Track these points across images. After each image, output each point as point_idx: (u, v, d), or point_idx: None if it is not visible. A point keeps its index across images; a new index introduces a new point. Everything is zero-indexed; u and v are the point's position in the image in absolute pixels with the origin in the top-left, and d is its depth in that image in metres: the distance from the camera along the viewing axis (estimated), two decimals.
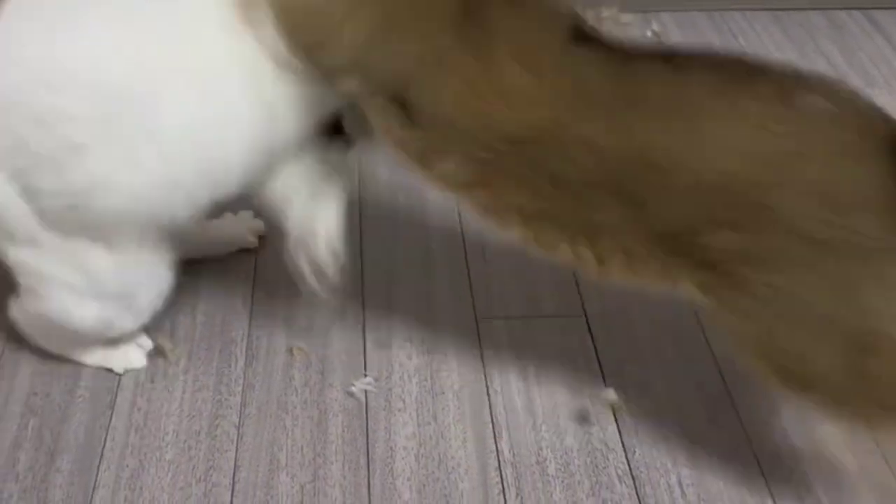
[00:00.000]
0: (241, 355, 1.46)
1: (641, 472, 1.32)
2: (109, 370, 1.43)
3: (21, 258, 1.27)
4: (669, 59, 1.14)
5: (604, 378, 1.45)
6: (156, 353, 1.45)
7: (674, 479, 1.31)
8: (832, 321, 1.08)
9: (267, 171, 1.31)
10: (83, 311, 1.31)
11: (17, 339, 1.45)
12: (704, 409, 1.40)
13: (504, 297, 1.58)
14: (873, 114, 1.12)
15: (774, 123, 1.08)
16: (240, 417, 1.37)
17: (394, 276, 1.62)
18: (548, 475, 1.31)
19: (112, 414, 1.37)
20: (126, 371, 1.43)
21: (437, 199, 1.78)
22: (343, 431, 1.36)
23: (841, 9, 2.40)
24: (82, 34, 1.17)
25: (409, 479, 1.30)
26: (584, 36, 1.16)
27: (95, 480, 1.28)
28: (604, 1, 2.34)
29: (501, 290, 1.59)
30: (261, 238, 1.66)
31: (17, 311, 1.38)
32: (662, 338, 1.51)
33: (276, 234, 1.67)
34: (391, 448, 1.34)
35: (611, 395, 1.41)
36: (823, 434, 1.35)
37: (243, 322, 1.52)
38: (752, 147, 1.08)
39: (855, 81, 2.15)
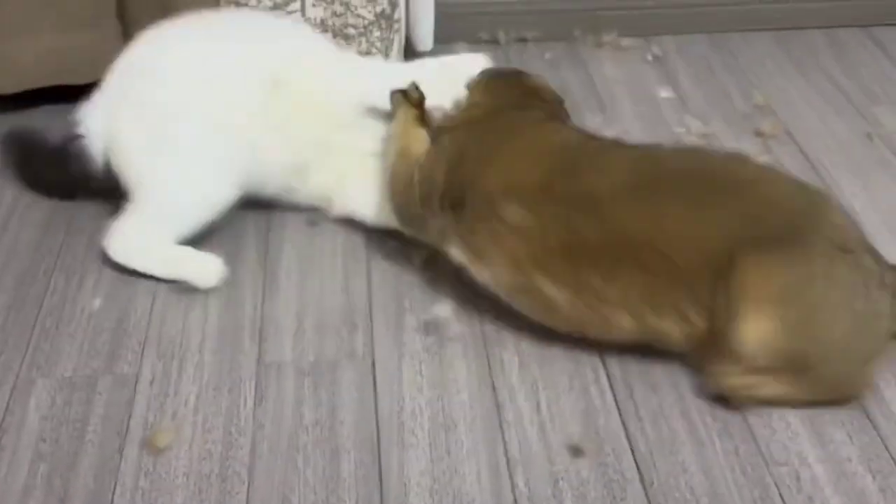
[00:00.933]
0: (251, 394, 1.45)
1: (660, 502, 1.30)
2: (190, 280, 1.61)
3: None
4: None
5: (618, 406, 1.43)
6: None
7: None
8: None
9: None
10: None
11: (26, 385, 1.44)
12: (720, 440, 1.38)
13: (514, 326, 1.57)
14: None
15: None
16: (251, 458, 1.35)
17: (401, 306, 1.61)
18: None
19: (121, 459, 1.35)
20: (207, 287, 1.62)
21: None
22: (356, 469, 1.34)
23: (841, 27, 2.40)
24: None
25: None
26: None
27: None
28: (603, 27, 2.35)
29: (511, 319, 1.57)
30: (266, 273, 1.66)
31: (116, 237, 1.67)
32: (675, 366, 1.49)
33: (281, 272, 1.67)
34: (405, 485, 1.32)
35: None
36: None
37: (251, 360, 1.51)
38: None
39: (858, 99, 2.14)
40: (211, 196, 1.69)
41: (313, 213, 1.81)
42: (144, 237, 1.66)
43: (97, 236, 1.75)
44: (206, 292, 1.62)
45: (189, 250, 1.66)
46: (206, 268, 1.63)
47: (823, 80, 2.21)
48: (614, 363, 1.50)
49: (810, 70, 2.25)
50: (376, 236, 1.75)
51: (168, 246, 1.66)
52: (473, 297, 1.61)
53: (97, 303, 1.61)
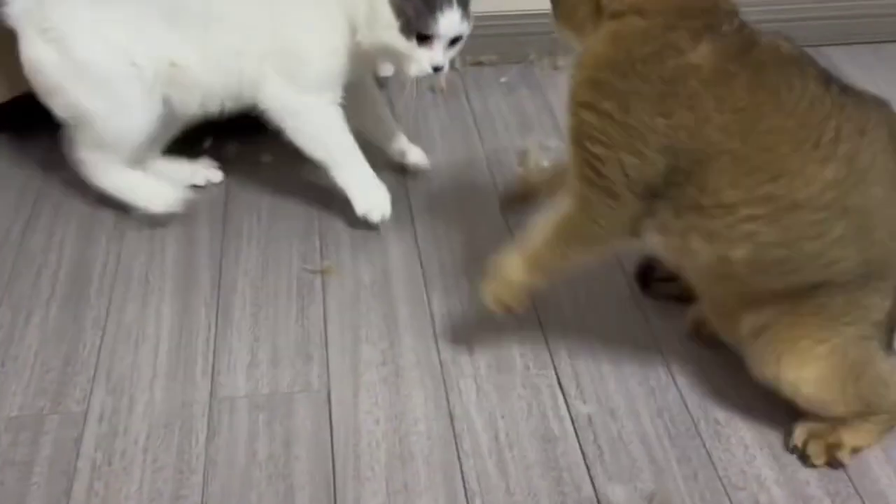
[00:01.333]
0: (203, 431, 1.42)
1: None
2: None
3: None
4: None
5: (577, 433, 1.42)
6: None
7: None
8: None
9: None
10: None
11: None
12: (679, 466, 1.37)
13: (472, 352, 1.55)
14: None
15: None
16: (202, 497, 1.32)
17: (357, 336, 1.58)
18: None
19: (68, 501, 1.31)
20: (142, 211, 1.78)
21: (399, 269, 1.75)
22: None
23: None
24: None
25: None
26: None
27: None
28: (559, 50, 2.35)
29: (469, 345, 1.56)
30: (219, 305, 1.63)
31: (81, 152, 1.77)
32: (637, 389, 1.48)
33: (234, 303, 1.64)
34: None
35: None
36: None
37: (204, 395, 1.48)
38: None
39: None
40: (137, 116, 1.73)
41: (267, 243, 1.78)
42: (98, 162, 1.78)
43: (45, 270, 1.72)
44: (158, 326, 1.59)
45: (142, 176, 1.82)
46: (159, 194, 1.79)
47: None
48: (573, 388, 1.49)
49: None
50: (333, 265, 1.73)
51: (122, 171, 1.79)
52: (431, 323, 1.60)
53: (45, 338, 1.57)
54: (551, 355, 1.55)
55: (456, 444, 1.40)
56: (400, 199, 1.89)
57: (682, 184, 1.27)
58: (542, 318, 1.62)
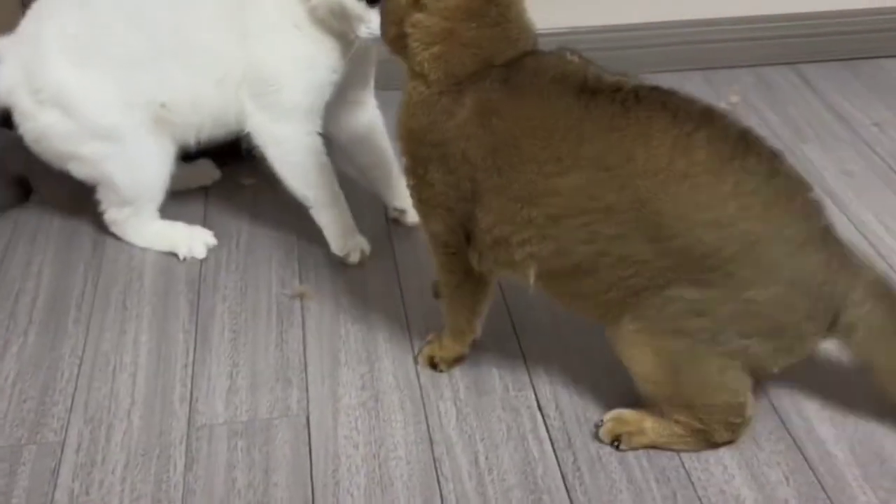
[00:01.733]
0: (181, 459, 1.41)
1: None
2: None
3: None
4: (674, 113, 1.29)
5: (556, 455, 1.41)
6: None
7: None
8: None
9: None
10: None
11: None
12: (658, 486, 1.37)
13: (451, 375, 1.55)
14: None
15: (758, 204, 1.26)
16: None
17: (336, 360, 1.58)
18: None
19: None
20: (186, 259, 1.78)
21: (378, 293, 1.75)
22: None
23: (768, 65, 2.44)
24: None
25: None
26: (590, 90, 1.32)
27: None
28: None
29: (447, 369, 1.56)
30: (197, 331, 1.63)
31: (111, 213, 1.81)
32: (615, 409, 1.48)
33: (213, 328, 1.64)
34: None
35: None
36: None
37: (182, 423, 1.47)
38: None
39: (786, 136, 2.17)
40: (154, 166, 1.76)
41: (245, 268, 1.78)
42: (127, 218, 1.81)
43: (22, 298, 1.71)
44: (136, 354, 1.59)
45: (173, 224, 1.82)
46: (197, 237, 1.81)
47: (754, 118, 2.24)
48: (552, 409, 1.49)
49: (739, 108, 2.28)
50: (311, 290, 1.72)
51: (154, 223, 1.82)
52: (410, 347, 1.60)
53: (22, 367, 1.57)
54: (530, 376, 1.55)
55: (436, 467, 1.40)
56: (380, 223, 1.89)
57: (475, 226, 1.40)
58: (520, 338, 1.62)
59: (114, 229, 1.84)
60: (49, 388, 1.53)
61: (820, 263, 1.29)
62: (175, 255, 1.81)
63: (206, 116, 1.74)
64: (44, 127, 1.72)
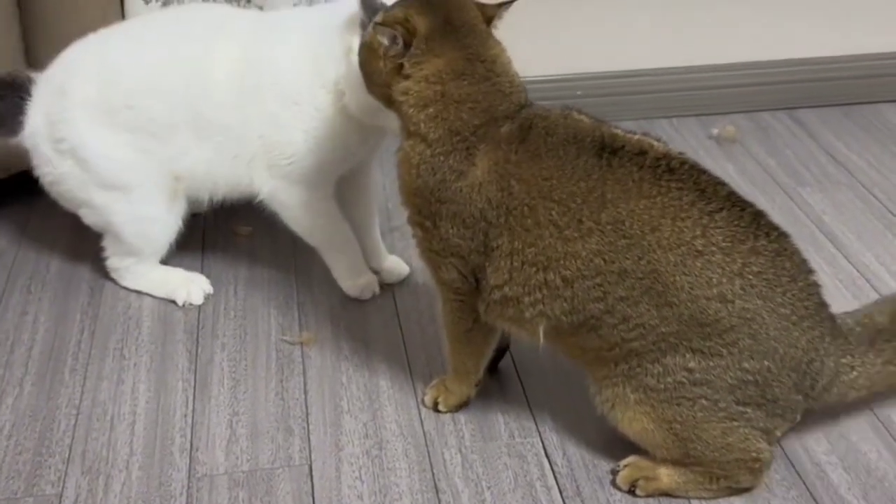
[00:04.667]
0: None
1: None
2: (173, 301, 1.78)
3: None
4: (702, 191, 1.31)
5: (563, 502, 1.39)
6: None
7: None
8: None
9: None
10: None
11: None
12: None
13: (455, 421, 1.52)
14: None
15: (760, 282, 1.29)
16: None
17: (339, 407, 1.55)
18: None
19: None
20: (184, 305, 1.77)
21: (379, 337, 1.73)
22: None
23: (765, 110, 2.45)
24: None
25: None
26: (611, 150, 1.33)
27: None
28: None
29: (453, 414, 1.53)
30: (196, 380, 1.60)
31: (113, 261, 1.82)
32: (623, 455, 1.45)
33: (213, 377, 1.61)
34: None
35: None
36: None
37: (182, 474, 1.44)
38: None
39: (784, 180, 2.18)
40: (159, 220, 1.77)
41: (245, 314, 1.76)
42: (129, 265, 1.82)
43: (17, 348, 1.68)
44: (134, 404, 1.56)
45: (172, 271, 1.82)
46: (195, 283, 1.80)
47: (751, 163, 2.24)
48: (559, 456, 1.46)
49: (738, 154, 2.28)
50: (311, 336, 1.70)
51: (154, 271, 1.82)
52: (413, 393, 1.57)
53: (18, 419, 1.53)
54: (536, 422, 1.53)
55: None
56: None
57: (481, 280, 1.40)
58: (525, 383, 1.60)
59: (113, 275, 1.84)
60: (46, 439, 1.50)
61: (811, 341, 1.33)
62: (173, 301, 1.79)
63: (220, 185, 1.76)
64: (60, 174, 1.75)
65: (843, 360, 1.37)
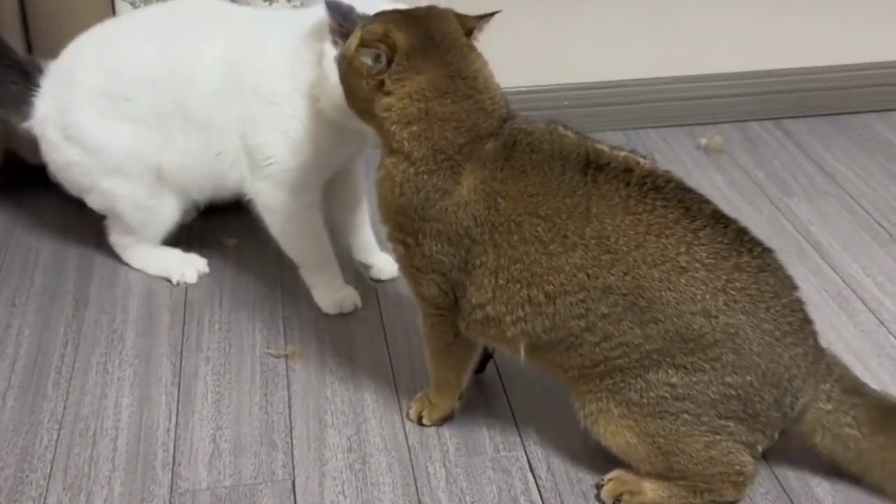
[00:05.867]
0: None
1: None
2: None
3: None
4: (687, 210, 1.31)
5: None
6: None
7: None
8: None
9: None
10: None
11: None
12: None
13: (440, 435, 1.52)
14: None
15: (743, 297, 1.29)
16: None
17: (323, 421, 1.55)
18: None
19: None
20: (179, 283, 1.85)
21: (365, 351, 1.73)
22: None
23: (753, 120, 2.45)
24: None
25: None
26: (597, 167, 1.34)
27: None
28: None
29: (437, 428, 1.53)
30: (180, 394, 1.59)
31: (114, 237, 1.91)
32: (608, 468, 1.45)
33: (196, 391, 1.60)
34: None
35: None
36: None
37: (164, 490, 1.43)
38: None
39: (771, 191, 2.18)
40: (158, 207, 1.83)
41: (229, 328, 1.76)
42: (129, 243, 1.90)
43: (1, 361, 1.67)
44: (117, 419, 1.55)
45: (170, 252, 1.89)
46: (189, 264, 1.87)
47: (739, 173, 2.24)
48: (543, 470, 1.46)
49: (725, 164, 2.28)
50: (296, 349, 1.70)
51: (152, 250, 1.89)
52: (398, 407, 1.57)
53: (0, 434, 1.52)
54: (521, 436, 1.52)
55: None
56: (365, 281, 1.87)
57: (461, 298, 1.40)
58: (510, 397, 1.59)
59: (115, 249, 1.92)
60: (27, 454, 1.49)
61: (793, 358, 1.32)
62: (168, 280, 1.87)
63: (206, 181, 1.79)
64: (67, 160, 1.81)
65: (822, 387, 1.35)
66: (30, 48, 1.97)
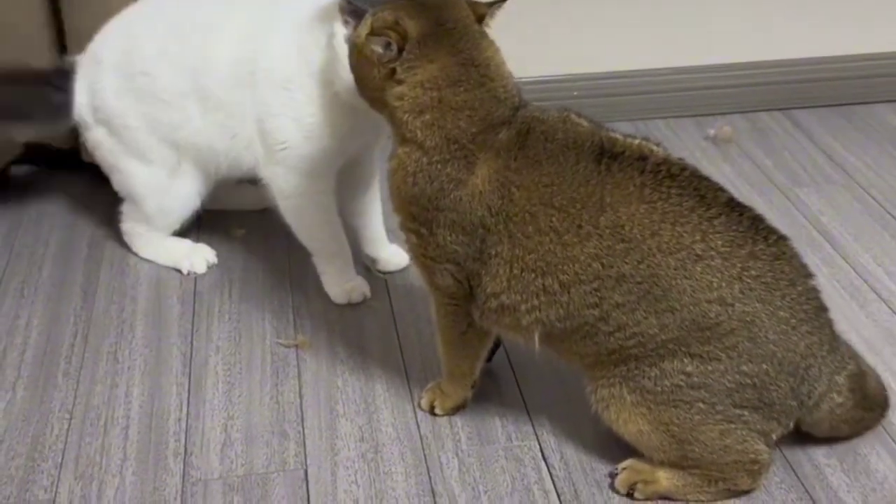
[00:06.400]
0: None
1: None
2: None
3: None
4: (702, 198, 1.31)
5: None
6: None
7: None
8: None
9: None
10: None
11: None
12: None
13: (452, 424, 1.51)
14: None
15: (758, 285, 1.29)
16: None
17: (334, 411, 1.54)
18: None
19: None
20: (189, 273, 1.85)
21: (375, 340, 1.72)
22: None
23: (762, 110, 2.44)
24: None
25: None
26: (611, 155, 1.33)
27: None
28: None
29: (449, 417, 1.52)
30: (191, 384, 1.59)
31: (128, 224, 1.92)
32: (622, 458, 1.44)
33: (207, 381, 1.60)
34: None
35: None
36: None
37: (176, 479, 1.42)
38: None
39: (781, 181, 2.17)
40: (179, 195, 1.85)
41: (239, 318, 1.75)
42: (141, 233, 1.91)
43: (10, 352, 1.67)
44: (128, 408, 1.55)
45: (180, 242, 1.91)
46: (199, 254, 1.89)
47: (748, 163, 2.24)
48: (556, 459, 1.45)
49: (734, 155, 2.28)
50: (306, 339, 1.69)
51: (162, 240, 1.91)
52: (409, 396, 1.56)
53: (11, 423, 1.52)
54: (533, 425, 1.51)
55: None
56: (374, 272, 1.86)
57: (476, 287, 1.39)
58: (522, 386, 1.59)
59: (126, 239, 1.93)
60: (38, 443, 1.49)
61: (810, 346, 1.32)
62: (178, 270, 1.88)
63: (222, 161, 1.79)
64: (95, 139, 1.86)
65: (836, 378, 1.35)
66: (64, 48, 1.98)
